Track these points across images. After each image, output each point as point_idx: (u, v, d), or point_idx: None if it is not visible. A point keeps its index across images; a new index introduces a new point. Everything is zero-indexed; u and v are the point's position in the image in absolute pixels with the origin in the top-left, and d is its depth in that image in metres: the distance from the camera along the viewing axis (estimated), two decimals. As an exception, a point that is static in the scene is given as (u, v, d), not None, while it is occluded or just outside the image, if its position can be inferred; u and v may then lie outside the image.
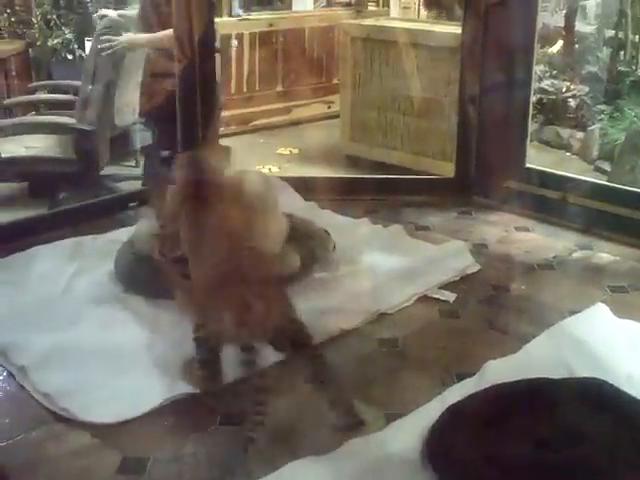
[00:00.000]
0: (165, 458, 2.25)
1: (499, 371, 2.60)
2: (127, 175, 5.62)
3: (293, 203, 4.14)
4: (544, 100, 6.20)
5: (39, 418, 2.45)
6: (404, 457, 2.21)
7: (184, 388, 2.55)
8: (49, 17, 5.96)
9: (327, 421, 2.40)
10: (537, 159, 4.68)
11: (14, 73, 6.01)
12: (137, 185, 5.22)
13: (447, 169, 4.67)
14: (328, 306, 3.05)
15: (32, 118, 5.19)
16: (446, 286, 3.29)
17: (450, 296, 3.20)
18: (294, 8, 7.61)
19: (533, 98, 4.45)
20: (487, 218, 4.10)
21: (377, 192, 4.44)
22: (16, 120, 5.24)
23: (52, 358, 2.72)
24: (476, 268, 3.45)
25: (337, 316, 2.97)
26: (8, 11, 6.25)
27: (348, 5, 7.87)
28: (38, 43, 6.08)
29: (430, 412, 2.36)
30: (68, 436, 2.36)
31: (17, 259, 3.56)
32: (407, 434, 2.29)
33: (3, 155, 4.54)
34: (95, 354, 2.74)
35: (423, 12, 7.42)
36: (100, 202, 4.47)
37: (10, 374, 2.68)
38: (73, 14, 6.01)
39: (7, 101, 5.22)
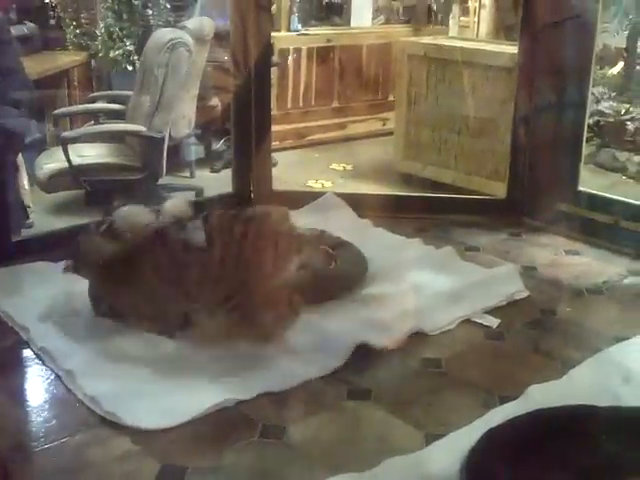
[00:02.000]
0: (204, 468, 2.27)
1: (542, 396, 2.58)
2: (182, 186, 5.70)
3: (348, 220, 4.17)
4: (601, 122, 6.13)
5: (84, 421, 2.49)
6: (441, 477, 2.20)
7: (226, 399, 2.57)
8: (112, 30, 6.06)
9: (368, 438, 2.41)
10: (591, 182, 4.62)
11: (76, 83, 6.13)
12: (191, 196, 5.28)
13: (500, 189, 4.64)
14: (372, 322, 3.06)
15: (106, 126, 5.28)
16: (493, 310, 3.26)
17: (494, 322, 3.17)
18: (352, 24, 7.64)
19: (589, 120, 4.42)
20: (537, 240, 4.07)
21: (429, 211, 4.43)
22: (90, 128, 5.33)
23: (98, 364, 2.77)
24: (524, 294, 3.41)
25: (380, 333, 2.97)
26: (74, 23, 6.38)
27: (406, 22, 7.88)
28: (100, 54, 6.19)
29: (470, 434, 2.33)
30: (111, 441, 2.39)
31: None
32: (446, 455, 2.28)
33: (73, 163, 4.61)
34: (140, 361, 2.78)
35: (482, 31, 7.39)
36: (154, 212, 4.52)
37: (58, 377, 2.73)
38: (135, 27, 6.10)
39: (58, 111, 5.29)
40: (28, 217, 4.72)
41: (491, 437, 2.30)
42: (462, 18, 7.51)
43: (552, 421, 2.39)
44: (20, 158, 4.76)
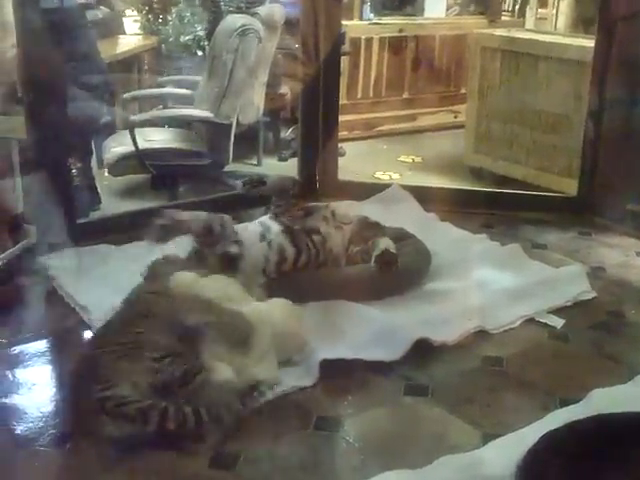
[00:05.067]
0: (257, 457, 2.29)
1: (606, 400, 2.54)
2: (248, 173, 5.73)
3: (413, 213, 4.16)
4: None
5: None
6: (496, 478, 2.18)
7: (292, 385, 2.61)
8: (183, 14, 6.13)
9: (424, 435, 2.41)
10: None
11: (146, 68, 6.22)
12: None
13: (571, 187, 4.57)
14: (434, 317, 3.05)
15: (173, 111, 5.32)
16: (557, 310, 3.22)
17: (558, 322, 3.13)
18: (426, 14, 7.60)
19: (667, 118, 4.31)
20: (607, 240, 4.01)
21: (497, 206, 4.39)
22: (157, 113, 5.39)
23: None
24: (591, 295, 3.35)
25: (441, 329, 2.95)
26: (146, 8, 6.47)
27: (481, 14, 7.80)
28: (171, 39, 6.26)
29: (528, 436, 2.31)
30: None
31: (135, 248, 3.68)
32: (502, 456, 2.25)
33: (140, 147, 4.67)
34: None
35: (560, 24, 7.27)
36: (220, 198, 4.56)
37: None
38: (206, 12, 6.16)
39: (127, 94, 5.36)
40: (100, 201, 4.81)
41: (550, 440, 2.27)
42: (540, 10, 7.41)
43: (615, 427, 2.35)
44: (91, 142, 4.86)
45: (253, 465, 2.26)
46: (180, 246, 3.18)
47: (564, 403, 2.57)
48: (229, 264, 2.98)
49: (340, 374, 2.68)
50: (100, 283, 3.33)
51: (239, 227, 3.27)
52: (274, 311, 2.76)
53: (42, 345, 2.93)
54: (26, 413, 2.48)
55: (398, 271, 3.22)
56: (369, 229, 3.43)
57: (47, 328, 3.05)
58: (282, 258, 3.16)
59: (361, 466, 2.26)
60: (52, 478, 2.23)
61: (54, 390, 2.66)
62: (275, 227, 3.27)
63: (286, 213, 3.37)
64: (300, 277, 3.17)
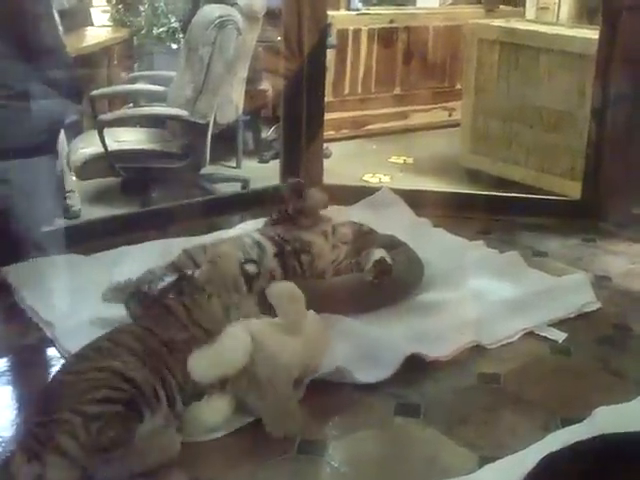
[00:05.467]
0: (234, 484, 2.29)
1: (611, 419, 2.54)
2: (226, 176, 5.74)
3: (405, 219, 4.17)
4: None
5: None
6: (493, 505, 2.19)
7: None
8: (156, 5, 6.13)
9: (416, 458, 2.42)
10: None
11: (116, 62, 6.22)
12: (236, 188, 5.33)
13: (574, 190, 4.60)
14: (426, 331, 3.06)
15: (146, 109, 5.34)
16: (559, 323, 3.23)
17: (559, 335, 3.14)
18: (418, 4, 7.63)
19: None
20: (613, 248, 4.02)
21: (495, 211, 4.41)
22: (128, 111, 5.40)
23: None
24: (596, 306, 3.37)
25: (434, 344, 2.96)
26: (117, -2, 6.48)
27: (478, 3, 7.83)
28: (143, 31, 6.27)
29: (528, 458, 2.31)
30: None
31: (105, 257, 3.70)
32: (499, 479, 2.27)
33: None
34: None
35: (563, 14, 7.31)
36: (195, 203, 4.57)
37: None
38: (181, 1, 6.17)
39: (96, 91, 5.36)
40: (68, 206, 4.80)
41: (551, 463, 2.28)
42: (542, -1, 7.45)
43: (621, 448, 2.35)
44: (63, 142, 4.84)
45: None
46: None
47: (566, 423, 2.57)
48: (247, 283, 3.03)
49: (325, 393, 2.68)
50: (67, 297, 3.33)
51: (236, 239, 3.34)
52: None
53: (0, 364, 2.93)
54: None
55: (388, 281, 3.23)
56: (362, 239, 3.47)
57: (6, 345, 3.03)
58: (271, 277, 3.19)
59: (349, 492, 2.26)
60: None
61: (13, 412, 2.65)
62: (269, 250, 3.29)
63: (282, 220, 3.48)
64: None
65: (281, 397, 2.52)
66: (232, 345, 2.52)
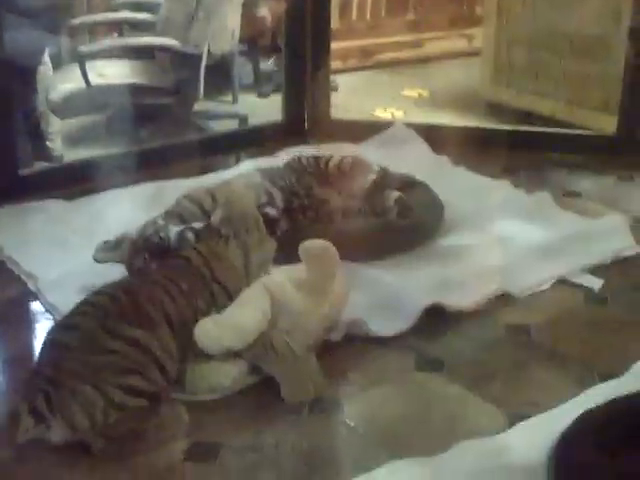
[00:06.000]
0: (241, 446, 2.30)
1: (652, 373, 2.57)
2: (222, 113, 5.72)
3: (421, 157, 4.17)
4: None
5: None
6: (525, 467, 2.20)
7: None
8: None
9: (439, 417, 2.43)
10: None
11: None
12: (233, 125, 5.31)
13: (609, 123, 4.58)
14: (447, 279, 3.08)
15: (131, 40, 5.30)
16: (594, 269, 3.24)
17: (596, 282, 3.16)
18: None
19: None
20: (653, 186, 4.03)
21: (520, 147, 4.41)
22: (112, 42, 5.35)
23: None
24: (634, 251, 3.38)
25: (456, 293, 2.98)
26: None
27: None
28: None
29: (562, 416, 2.33)
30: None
31: (89, 203, 3.72)
32: (531, 440, 2.28)
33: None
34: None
35: None
36: (188, 142, 4.56)
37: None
38: None
39: (76, 20, 5.31)
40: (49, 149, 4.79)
41: (587, 421, 2.30)
42: None
43: (663, 404, 2.38)
44: (42, 79, 4.81)
45: (237, 456, 2.27)
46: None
47: (603, 377, 2.59)
48: (268, 227, 3.04)
49: (338, 347, 2.70)
50: (49, 246, 3.34)
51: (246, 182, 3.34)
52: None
53: (-21, 319, 2.95)
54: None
55: (405, 225, 3.24)
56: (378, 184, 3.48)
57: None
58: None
59: (365, 454, 2.28)
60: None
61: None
62: (278, 202, 3.29)
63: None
64: (292, 234, 3.18)
65: (301, 361, 2.52)
66: (248, 315, 2.49)
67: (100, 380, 2.21)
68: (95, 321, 2.31)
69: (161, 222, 3.07)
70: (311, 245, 2.66)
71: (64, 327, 2.37)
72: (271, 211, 3.18)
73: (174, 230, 2.96)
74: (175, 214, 3.16)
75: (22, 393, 2.25)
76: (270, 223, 3.07)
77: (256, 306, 2.51)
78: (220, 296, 2.58)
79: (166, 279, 2.52)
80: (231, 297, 2.58)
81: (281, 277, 2.65)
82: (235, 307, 2.52)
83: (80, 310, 2.39)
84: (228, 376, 2.49)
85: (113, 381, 2.22)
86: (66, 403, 2.17)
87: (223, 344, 2.44)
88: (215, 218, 2.79)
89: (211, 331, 2.44)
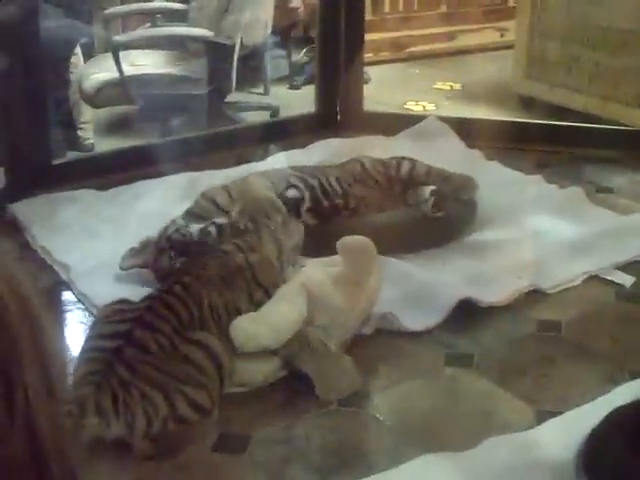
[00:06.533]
0: (270, 439, 2.32)
1: (684, 372, 2.56)
2: (254, 104, 5.73)
3: (454, 150, 4.16)
4: None
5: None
6: (554, 463, 2.21)
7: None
8: None
9: (468, 412, 2.44)
10: None
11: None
12: (265, 116, 5.32)
13: (643, 119, 4.57)
14: (479, 274, 3.08)
15: (165, 30, 5.30)
16: (626, 266, 3.23)
17: (627, 280, 3.15)
18: None
19: None
20: (687, 183, 4.01)
21: (553, 142, 4.40)
22: (145, 32, 5.36)
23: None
24: (667, 248, 3.37)
25: (488, 288, 2.97)
26: None
27: None
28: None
29: (592, 413, 2.33)
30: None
31: (122, 193, 3.75)
32: (561, 437, 2.29)
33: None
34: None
35: None
36: (220, 133, 4.58)
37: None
38: None
39: (109, 10, 5.32)
40: (80, 138, 4.82)
41: (617, 418, 2.30)
42: None
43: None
44: (75, 68, 4.84)
45: (266, 448, 2.29)
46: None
47: (634, 375, 2.59)
48: (292, 209, 3.05)
49: (369, 341, 2.71)
50: (82, 236, 3.37)
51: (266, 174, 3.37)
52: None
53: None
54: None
55: (438, 219, 3.24)
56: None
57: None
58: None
59: (395, 448, 2.29)
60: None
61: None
62: (306, 202, 3.30)
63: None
64: (325, 228, 3.19)
65: (335, 358, 2.53)
66: (284, 313, 2.49)
67: (171, 389, 2.23)
68: (170, 325, 2.34)
69: (181, 221, 3.09)
70: (350, 241, 2.66)
71: (140, 324, 2.36)
72: (291, 192, 3.18)
73: (196, 227, 2.98)
74: (194, 213, 3.18)
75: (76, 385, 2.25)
76: (294, 205, 3.09)
77: (293, 305, 2.51)
78: (259, 296, 2.60)
79: (218, 279, 2.56)
80: (269, 294, 2.60)
81: (319, 274, 2.65)
82: (272, 305, 2.52)
83: (153, 307, 2.41)
84: (261, 372, 2.49)
85: (182, 391, 2.24)
86: (132, 406, 2.19)
87: (259, 343, 2.44)
88: (233, 212, 2.81)
89: (248, 329, 2.45)
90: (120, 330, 2.35)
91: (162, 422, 2.21)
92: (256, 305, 2.56)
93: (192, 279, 2.55)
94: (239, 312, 2.51)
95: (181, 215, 3.18)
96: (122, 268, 3.04)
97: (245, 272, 2.61)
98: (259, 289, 2.61)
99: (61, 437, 0.81)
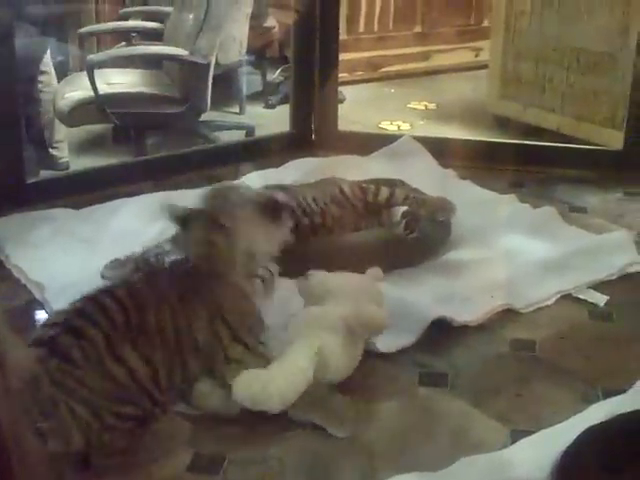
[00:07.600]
0: (245, 459, 2.31)
1: (657, 391, 2.57)
2: (229, 123, 5.74)
3: (428, 170, 4.17)
4: None
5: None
6: (528, 483, 2.21)
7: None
8: None
9: (442, 431, 2.44)
10: None
11: (106, -4, 6.19)
12: (240, 135, 5.32)
13: (615, 139, 4.60)
14: (453, 294, 3.08)
15: (140, 48, 5.30)
16: (600, 285, 3.25)
17: (600, 299, 3.16)
18: None
19: None
20: (659, 202, 4.03)
21: (527, 162, 4.43)
22: (120, 51, 5.36)
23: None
24: (640, 267, 3.39)
25: (462, 307, 2.98)
26: None
27: None
28: (136, -40, 6.23)
29: (566, 432, 2.33)
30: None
31: (96, 212, 3.73)
32: (535, 456, 2.28)
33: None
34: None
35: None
36: (195, 152, 4.58)
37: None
38: None
39: (84, 29, 5.32)
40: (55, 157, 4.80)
41: (591, 437, 2.30)
42: None
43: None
44: (49, 86, 4.83)
45: (240, 469, 2.28)
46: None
47: (607, 394, 2.59)
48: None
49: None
50: (56, 255, 3.35)
51: None
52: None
53: (-15, 327, 2.95)
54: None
55: (411, 239, 3.25)
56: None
57: (-9, 307, 3.06)
58: None
59: (368, 469, 2.28)
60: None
61: None
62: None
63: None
64: (299, 246, 3.18)
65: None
66: (290, 378, 2.44)
67: (98, 407, 2.18)
68: (102, 336, 2.23)
69: (167, 248, 3.07)
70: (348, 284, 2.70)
71: (69, 329, 2.23)
72: (279, 195, 3.12)
73: (173, 256, 2.94)
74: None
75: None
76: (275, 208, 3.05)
77: (301, 373, 2.46)
78: (223, 332, 2.48)
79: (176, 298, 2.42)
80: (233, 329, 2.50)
81: (328, 336, 2.56)
82: (279, 369, 2.46)
83: (88, 312, 2.29)
84: (237, 405, 2.46)
85: (109, 408, 2.20)
86: (63, 422, 2.15)
87: (264, 406, 2.39)
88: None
89: (251, 388, 2.39)
90: (45, 337, 2.24)
91: (96, 434, 2.18)
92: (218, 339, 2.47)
93: (143, 286, 2.44)
94: (196, 342, 2.41)
95: (168, 239, 3.12)
96: (103, 277, 3.04)
97: (209, 305, 2.48)
98: (223, 324, 2.48)
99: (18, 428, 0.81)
